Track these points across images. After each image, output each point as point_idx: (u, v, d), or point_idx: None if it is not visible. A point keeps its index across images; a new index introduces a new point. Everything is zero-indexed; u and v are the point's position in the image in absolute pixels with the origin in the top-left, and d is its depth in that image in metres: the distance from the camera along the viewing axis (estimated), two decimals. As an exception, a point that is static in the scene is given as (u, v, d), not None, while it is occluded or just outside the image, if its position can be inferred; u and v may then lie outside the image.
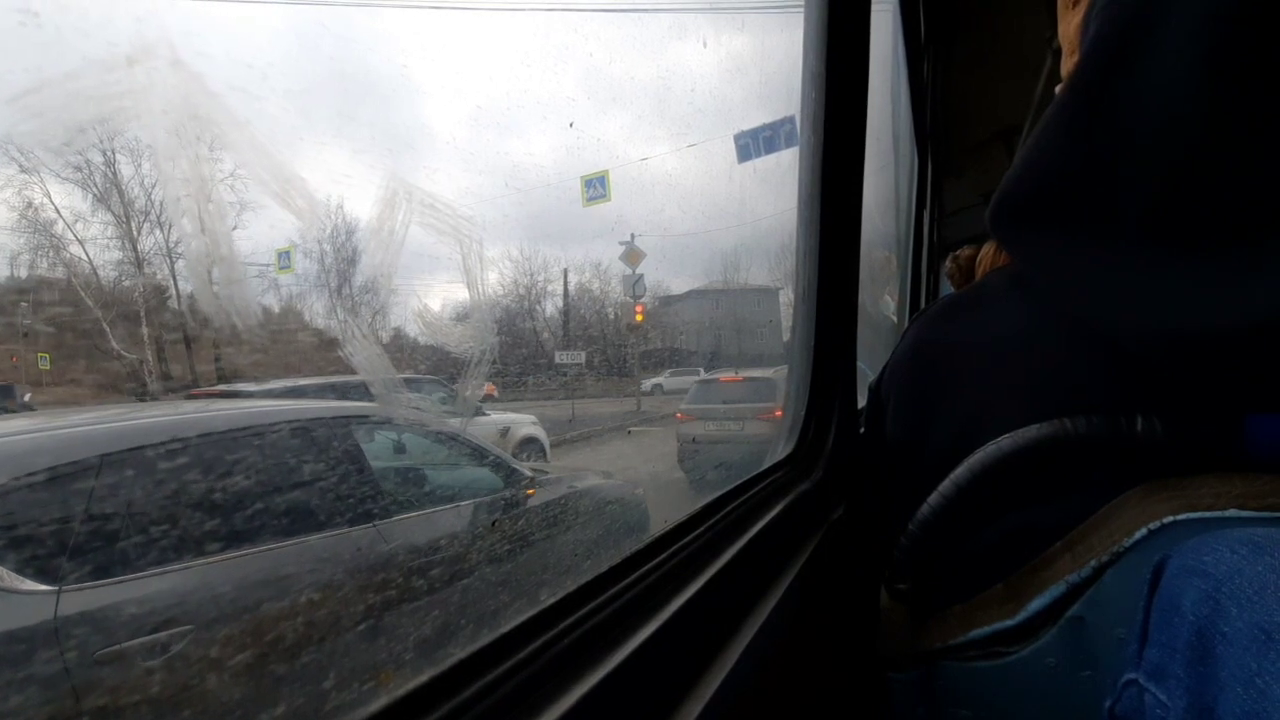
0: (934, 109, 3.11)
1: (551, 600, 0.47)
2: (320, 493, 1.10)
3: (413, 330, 1.00)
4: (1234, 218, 0.57)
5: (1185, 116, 0.58)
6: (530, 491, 1.56)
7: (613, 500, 1.67)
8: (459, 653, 0.38)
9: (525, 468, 1.63)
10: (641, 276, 1.83)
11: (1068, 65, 0.78)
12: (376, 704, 0.33)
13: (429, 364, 0.99)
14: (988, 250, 2.29)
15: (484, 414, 1.77)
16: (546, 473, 1.79)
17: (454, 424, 1.48)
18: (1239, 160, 0.56)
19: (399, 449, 1.43)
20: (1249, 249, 0.56)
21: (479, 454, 1.59)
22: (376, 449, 1.34)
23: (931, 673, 0.79)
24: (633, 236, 1.68)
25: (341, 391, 1.12)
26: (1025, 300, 0.77)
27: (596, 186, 1.27)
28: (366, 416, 1.27)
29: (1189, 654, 0.42)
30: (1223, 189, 0.57)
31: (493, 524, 1.38)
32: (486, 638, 0.40)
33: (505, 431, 1.89)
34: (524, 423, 1.99)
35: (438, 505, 1.43)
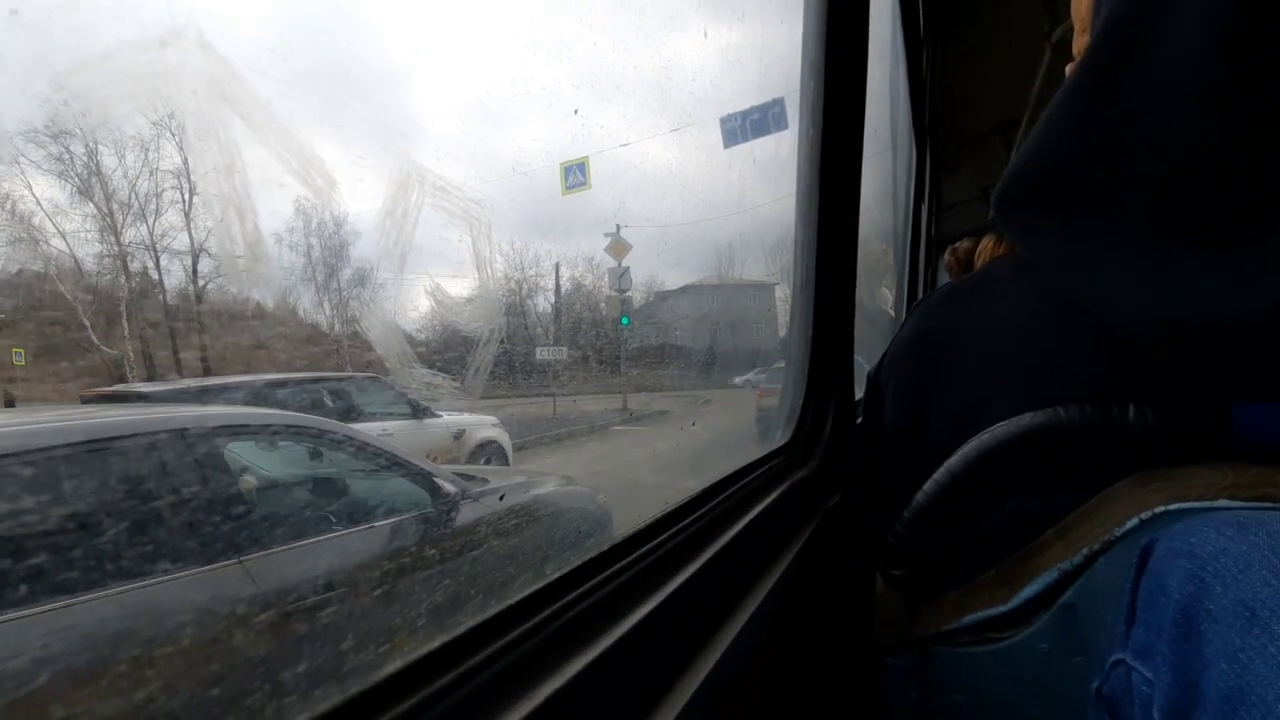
0: (933, 102, 3.11)
1: (548, 580, 0.47)
2: (166, 524, 0.83)
3: (418, 313, 1.00)
4: (1242, 209, 0.56)
5: (1197, 104, 0.57)
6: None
7: (567, 510, 1.48)
8: (467, 621, 0.39)
9: (453, 480, 1.36)
10: (627, 269, 1.74)
11: (1079, 44, 0.77)
12: (372, 678, 0.34)
13: (440, 341, 0.99)
14: (987, 243, 2.29)
15: (434, 415, 1.53)
16: (487, 481, 1.53)
17: (385, 429, 1.30)
18: (1249, 151, 0.55)
19: (297, 462, 1.18)
20: (1256, 241, 0.56)
21: (396, 465, 1.33)
22: (267, 463, 1.11)
23: (925, 658, 0.80)
24: (618, 227, 1.58)
25: (278, 389, 0.98)
26: (1028, 288, 0.76)
27: (576, 174, 1.21)
28: (244, 425, 1.03)
29: (1175, 632, 0.42)
30: (1232, 180, 0.56)
31: (423, 538, 1.21)
32: (489, 611, 0.41)
33: (460, 435, 1.65)
34: (482, 424, 1.72)
35: (337, 529, 1.16)
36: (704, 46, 1.07)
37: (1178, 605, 0.42)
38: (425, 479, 1.32)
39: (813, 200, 1.07)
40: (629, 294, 1.80)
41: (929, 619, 0.80)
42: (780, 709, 0.80)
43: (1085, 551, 0.65)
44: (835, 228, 1.08)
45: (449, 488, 1.31)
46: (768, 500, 0.82)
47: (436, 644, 0.37)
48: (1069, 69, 0.74)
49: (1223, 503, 0.57)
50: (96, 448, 0.77)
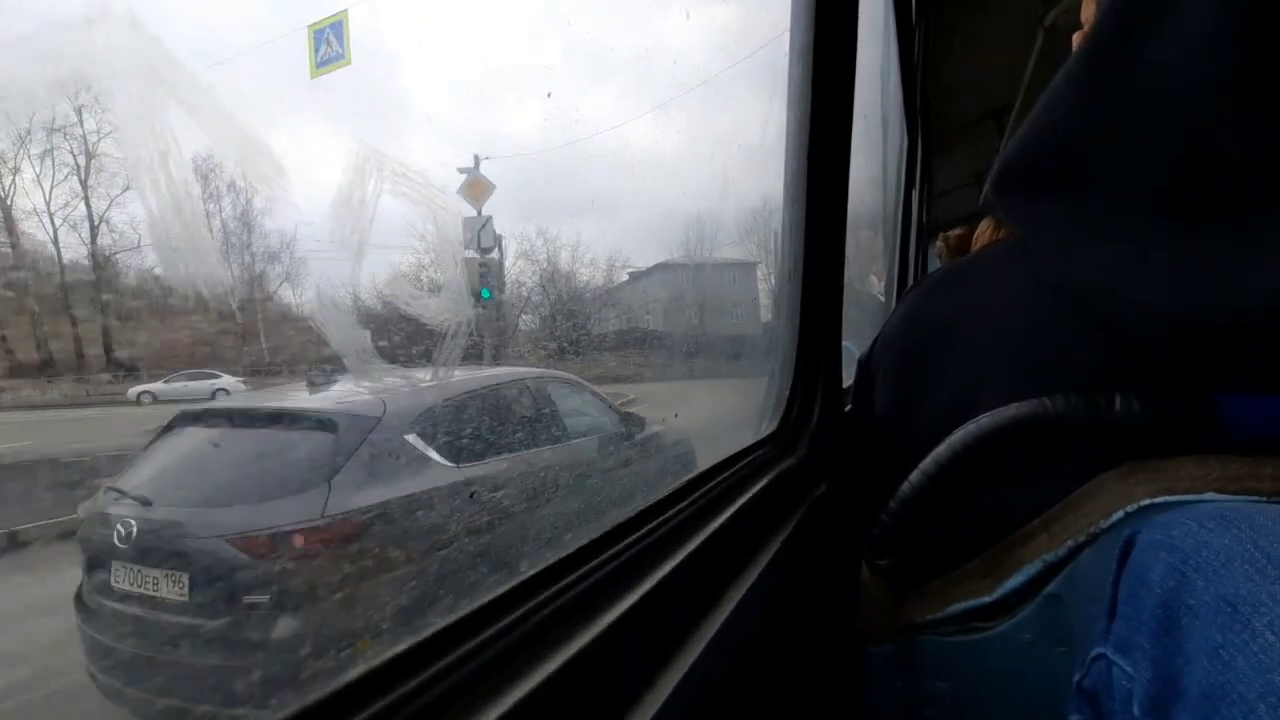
0: (924, 87, 3.09)
1: (530, 574, 0.47)
2: (546, 420, 2.07)
3: (378, 306, 0.94)
4: (1245, 196, 0.55)
5: (1203, 87, 0.56)
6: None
7: (675, 438, 2.35)
8: (436, 623, 0.38)
9: (632, 414, 2.46)
10: (489, 220, 1.28)
11: (1088, 11, 0.75)
12: (342, 679, 0.33)
13: (403, 335, 0.94)
14: (985, 228, 2.28)
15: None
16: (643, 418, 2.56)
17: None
18: (1255, 136, 0.54)
19: (568, 400, 2.31)
20: (1257, 229, 0.55)
21: (606, 404, 2.43)
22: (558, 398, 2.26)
23: (909, 646, 0.80)
24: (477, 159, 1.14)
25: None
26: (1023, 273, 0.75)
27: (330, 42, 0.81)
28: (554, 376, 2.19)
29: (1155, 626, 0.42)
30: (1236, 165, 0.55)
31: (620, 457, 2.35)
32: (465, 609, 0.40)
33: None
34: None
35: (590, 432, 2.33)
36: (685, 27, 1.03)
37: (1159, 599, 0.42)
38: (621, 413, 2.44)
39: (800, 186, 1.05)
40: (493, 255, 1.26)
41: (914, 608, 0.80)
42: (765, 699, 0.80)
43: (1070, 543, 0.65)
44: (823, 214, 1.07)
45: (640, 416, 2.43)
46: (753, 490, 0.82)
47: (409, 644, 0.36)
48: (1076, 37, 0.72)
49: (1209, 496, 0.56)
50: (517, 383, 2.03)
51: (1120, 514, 0.60)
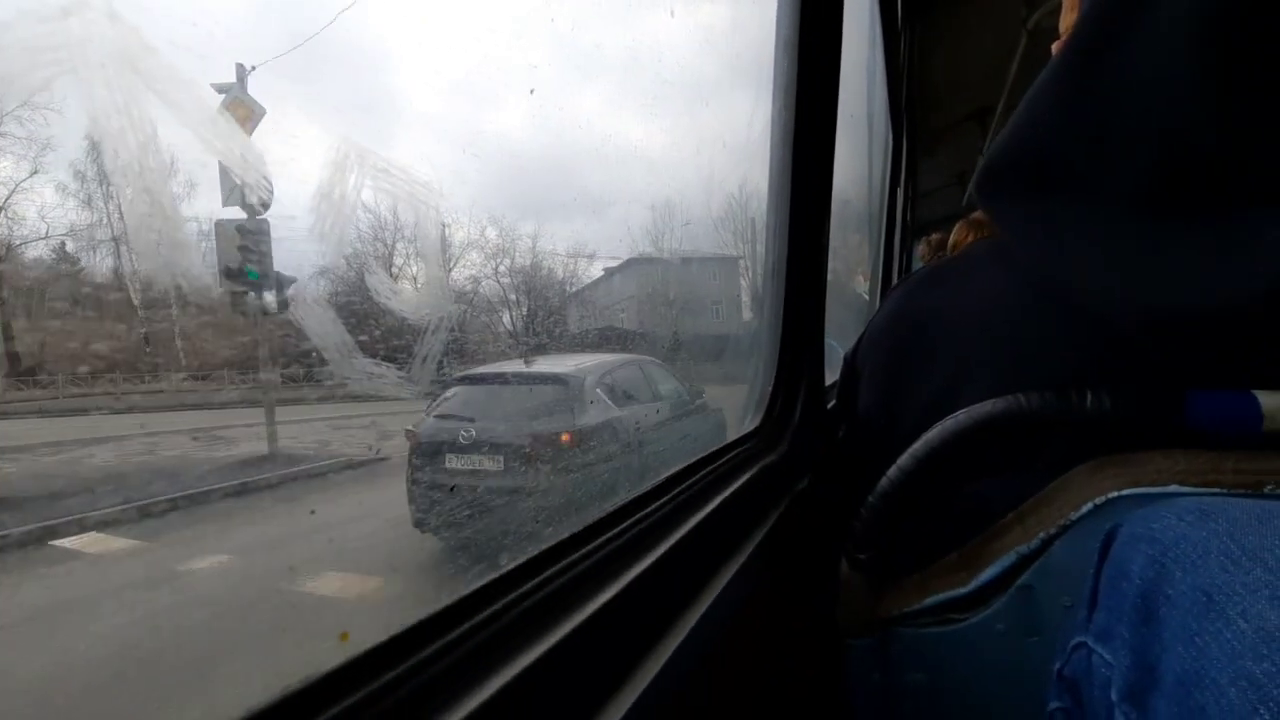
0: (910, 88, 3.11)
1: (508, 568, 0.47)
2: (644, 385, 2.88)
3: (359, 300, 0.91)
4: (1223, 196, 0.56)
5: (1181, 89, 0.57)
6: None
7: (714, 409, 2.92)
8: (413, 617, 0.38)
9: (694, 385, 3.07)
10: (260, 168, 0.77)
11: (1067, 20, 0.76)
12: (315, 673, 0.33)
13: (382, 330, 0.91)
14: (962, 232, 2.31)
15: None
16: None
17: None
18: (1231, 138, 0.56)
19: (657, 373, 3.05)
20: (1234, 228, 0.56)
21: (676, 378, 3.06)
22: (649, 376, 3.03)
23: (887, 639, 0.82)
24: (240, 71, 0.74)
25: None
26: (1006, 271, 0.76)
27: None
28: (648, 359, 2.92)
29: (1134, 616, 0.43)
30: (1213, 166, 0.56)
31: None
32: (442, 603, 0.40)
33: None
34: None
35: (672, 397, 2.94)
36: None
37: (1138, 590, 0.43)
38: (686, 385, 3.01)
39: (785, 183, 1.06)
40: (264, 218, 0.82)
41: (892, 601, 0.81)
42: (746, 692, 0.81)
43: (1042, 535, 0.66)
44: (807, 211, 1.08)
45: (699, 389, 2.92)
46: (735, 485, 0.82)
47: (385, 637, 0.36)
48: (1055, 46, 0.73)
49: (1174, 488, 0.58)
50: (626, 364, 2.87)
51: (1089, 506, 0.62)
